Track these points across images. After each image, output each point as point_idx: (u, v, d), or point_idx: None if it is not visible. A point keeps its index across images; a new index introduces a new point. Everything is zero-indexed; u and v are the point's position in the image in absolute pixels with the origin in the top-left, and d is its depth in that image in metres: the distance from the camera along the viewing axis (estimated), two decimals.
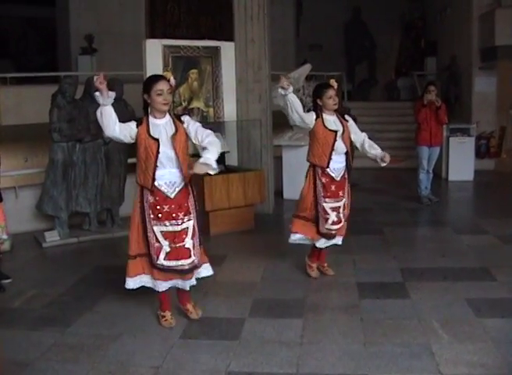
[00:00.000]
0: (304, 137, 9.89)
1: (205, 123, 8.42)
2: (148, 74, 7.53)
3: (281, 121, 10.25)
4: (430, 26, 17.94)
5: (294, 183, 9.87)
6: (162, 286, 4.70)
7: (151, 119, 4.52)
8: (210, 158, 4.43)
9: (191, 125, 4.61)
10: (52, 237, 7.52)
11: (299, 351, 4.30)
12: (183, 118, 4.65)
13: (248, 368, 4.05)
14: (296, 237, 5.84)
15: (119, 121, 4.49)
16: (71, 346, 4.45)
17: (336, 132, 5.52)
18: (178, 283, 4.73)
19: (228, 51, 8.58)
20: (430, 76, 16.43)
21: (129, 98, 8.01)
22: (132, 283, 4.75)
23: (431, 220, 9.01)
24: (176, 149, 4.46)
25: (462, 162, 11.87)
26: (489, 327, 4.62)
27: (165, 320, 4.79)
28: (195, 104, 8.18)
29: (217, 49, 8.48)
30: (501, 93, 13.23)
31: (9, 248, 7.12)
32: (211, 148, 4.50)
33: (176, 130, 4.51)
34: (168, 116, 4.58)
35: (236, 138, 8.82)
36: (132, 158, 8.42)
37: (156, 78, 4.54)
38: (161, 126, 4.50)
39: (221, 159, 8.14)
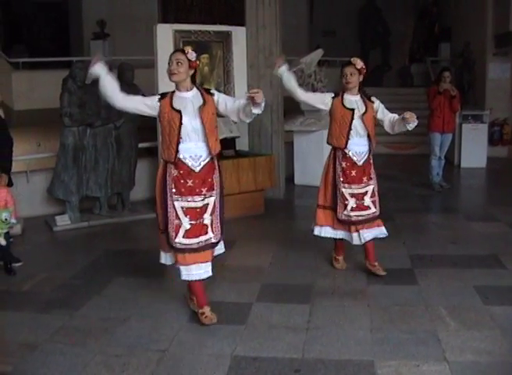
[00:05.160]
0: (316, 123, 9.91)
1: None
2: (159, 59, 7.57)
3: (292, 106, 10.24)
4: (444, 11, 17.77)
5: (305, 169, 9.91)
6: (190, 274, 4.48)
7: (176, 92, 4.47)
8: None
9: (222, 97, 4.56)
10: (63, 221, 7.57)
11: (305, 336, 4.31)
12: (212, 91, 4.60)
13: (254, 352, 4.06)
14: (318, 230, 5.66)
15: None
16: (79, 329, 4.49)
17: (352, 110, 5.34)
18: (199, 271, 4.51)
19: (239, 36, 8.52)
20: (444, 62, 16.28)
21: (141, 83, 8.03)
22: (163, 258, 4.73)
23: (442, 207, 8.99)
24: (204, 120, 4.38)
25: (475, 148, 11.81)
26: (497, 315, 4.61)
27: (205, 317, 4.54)
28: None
29: (228, 34, 8.42)
30: None
31: (20, 232, 7.18)
32: None
33: (205, 102, 4.44)
34: (195, 89, 4.50)
35: (246, 123, 8.78)
36: (143, 143, 8.47)
37: (173, 51, 4.64)
38: (189, 99, 4.42)
39: (231, 144, 8.16)
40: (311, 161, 9.83)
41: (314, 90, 9.96)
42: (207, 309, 4.57)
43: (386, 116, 5.47)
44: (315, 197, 5.67)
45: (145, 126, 7.90)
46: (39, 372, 3.87)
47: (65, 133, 7.46)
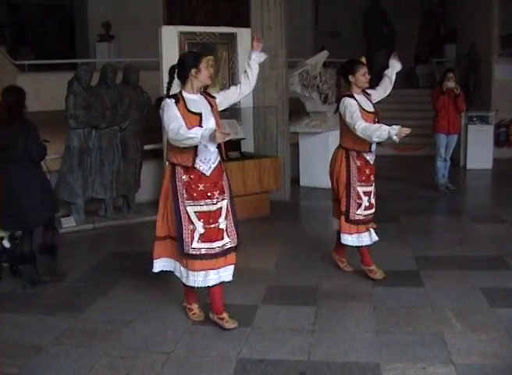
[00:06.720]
0: (321, 124, 9.90)
1: (221, 109, 8.44)
2: (164, 61, 7.57)
3: (298, 108, 10.25)
4: (449, 12, 17.74)
5: (311, 171, 9.90)
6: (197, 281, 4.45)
7: (185, 94, 4.37)
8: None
9: (220, 94, 4.65)
10: (68, 223, 7.58)
11: (310, 338, 4.30)
12: (213, 94, 4.62)
13: (259, 355, 4.06)
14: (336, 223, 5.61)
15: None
16: (84, 331, 4.50)
17: (374, 113, 5.24)
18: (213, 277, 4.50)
19: (244, 37, 8.51)
20: (449, 63, 16.25)
21: (146, 85, 8.02)
22: (157, 265, 4.58)
23: (448, 208, 8.96)
24: (218, 123, 4.40)
25: (481, 150, 11.74)
26: (503, 317, 4.59)
27: (193, 314, 4.69)
28: (211, 90, 8.12)
29: (233, 36, 8.43)
30: None
31: None
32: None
33: (211, 106, 4.46)
34: (199, 93, 4.47)
35: (252, 125, 8.80)
36: (148, 145, 8.47)
37: (201, 54, 4.61)
38: (199, 101, 4.39)
39: (237, 146, 8.16)
40: (316, 162, 9.81)
41: (319, 91, 9.96)
42: (195, 306, 4.68)
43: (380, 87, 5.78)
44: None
45: (150, 127, 7.91)
46: (44, 374, 3.88)
47: (71, 135, 7.47)
